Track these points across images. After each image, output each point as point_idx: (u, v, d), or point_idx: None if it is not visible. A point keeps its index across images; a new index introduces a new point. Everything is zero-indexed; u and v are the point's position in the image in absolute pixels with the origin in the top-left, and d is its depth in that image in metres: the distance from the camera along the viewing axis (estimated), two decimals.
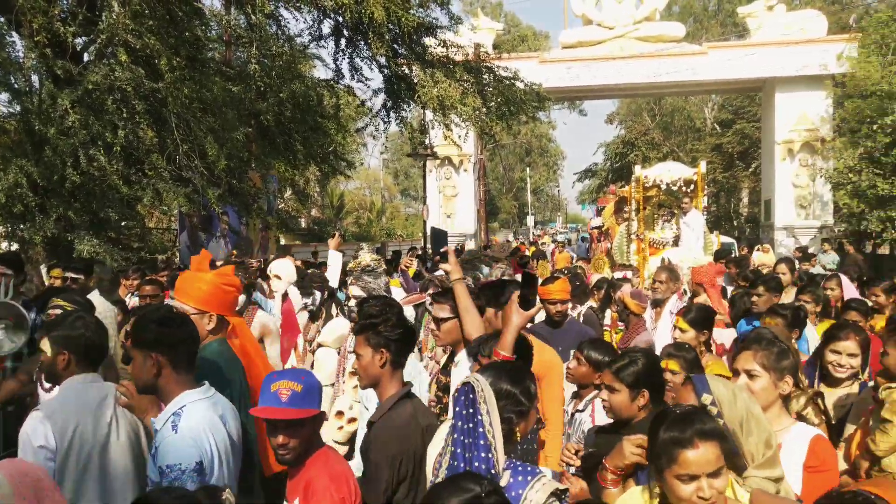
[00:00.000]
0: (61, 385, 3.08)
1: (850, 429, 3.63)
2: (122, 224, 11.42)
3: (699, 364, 3.90)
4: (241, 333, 3.64)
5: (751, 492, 2.25)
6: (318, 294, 7.18)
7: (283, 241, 24.83)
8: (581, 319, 7.14)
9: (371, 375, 3.03)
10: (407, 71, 12.05)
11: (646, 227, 13.41)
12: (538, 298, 4.49)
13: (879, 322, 5.13)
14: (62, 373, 3.08)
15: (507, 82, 12.66)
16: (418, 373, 4.40)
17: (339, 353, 5.26)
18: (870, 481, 2.44)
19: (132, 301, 7.58)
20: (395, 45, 11.08)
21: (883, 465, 3.33)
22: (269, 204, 15.39)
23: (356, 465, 3.43)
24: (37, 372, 4.15)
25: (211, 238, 14.08)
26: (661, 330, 6.24)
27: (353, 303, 5.24)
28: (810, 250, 16.82)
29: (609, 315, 7.44)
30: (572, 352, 4.11)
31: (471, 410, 2.35)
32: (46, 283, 7.91)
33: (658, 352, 4.32)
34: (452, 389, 3.44)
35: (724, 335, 6.42)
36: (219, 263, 8.34)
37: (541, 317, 5.35)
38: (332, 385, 5.10)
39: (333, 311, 6.27)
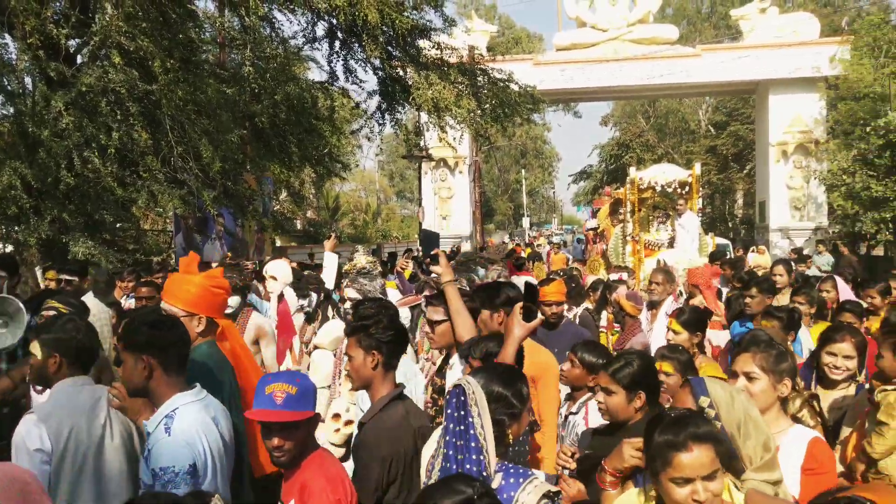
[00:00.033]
0: (52, 388, 3.07)
1: (846, 431, 3.64)
2: (117, 226, 11.40)
3: (693, 366, 3.90)
4: (231, 335, 3.64)
5: (745, 492, 2.25)
6: (314, 296, 7.17)
7: (278, 243, 24.77)
8: (577, 321, 7.14)
9: (363, 377, 3.04)
10: (401, 73, 12.04)
11: (641, 228, 13.43)
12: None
13: (874, 324, 5.14)
14: (53, 376, 3.07)
15: (502, 84, 12.65)
16: (414, 375, 4.39)
17: (335, 356, 5.25)
18: (866, 486, 2.44)
19: (128, 303, 7.56)
20: (390, 48, 11.06)
21: (879, 467, 3.33)
22: (265, 206, 15.35)
23: (352, 468, 3.42)
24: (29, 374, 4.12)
25: (206, 240, 14.03)
26: (657, 331, 6.25)
27: (348, 305, 5.23)
28: (805, 252, 16.87)
29: (605, 317, 7.45)
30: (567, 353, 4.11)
31: (462, 413, 2.35)
32: (41, 285, 7.88)
33: (653, 353, 4.32)
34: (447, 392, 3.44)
35: (720, 337, 6.43)
36: (214, 265, 8.35)
37: None
38: (329, 387, 5.08)
39: (330, 312, 6.25)
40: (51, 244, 8.54)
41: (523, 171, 60.72)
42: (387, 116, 12.81)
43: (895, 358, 3.43)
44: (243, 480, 3.28)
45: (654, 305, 6.71)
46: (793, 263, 9.78)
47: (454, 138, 13.34)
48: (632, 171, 14.04)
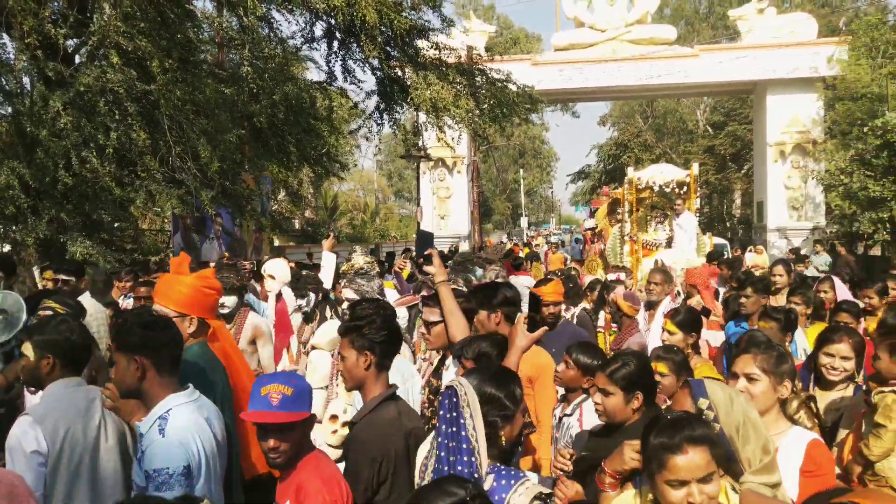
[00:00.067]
0: (45, 389, 3.05)
1: (843, 433, 3.63)
2: (115, 226, 11.39)
3: (688, 366, 3.90)
4: (222, 336, 3.63)
5: (741, 492, 2.24)
6: (312, 296, 7.16)
7: (276, 243, 24.75)
8: (574, 321, 7.13)
9: (355, 377, 3.04)
10: (400, 73, 12.05)
11: (639, 228, 13.45)
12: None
13: (872, 324, 5.13)
14: (46, 377, 3.05)
15: (500, 84, 12.66)
16: (411, 375, 4.39)
17: (332, 356, 5.24)
18: (861, 491, 2.43)
19: (125, 303, 7.55)
20: (388, 48, 11.07)
21: (876, 469, 3.33)
22: (263, 205, 15.33)
23: None
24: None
25: (204, 240, 14.03)
26: (655, 332, 6.24)
27: (346, 305, 5.22)
28: (803, 252, 16.88)
29: (602, 317, 7.44)
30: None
31: (454, 414, 2.35)
32: (39, 285, 7.87)
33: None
34: None
35: (717, 338, 6.43)
36: (212, 265, 8.34)
37: None
38: (326, 388, 5.08)
39: (328, 313, 6.24)
40: (48, 244, 8.54)
41: (521, 170, 60.72)
42: (385, 116, 12.82)
43: (892, 359, 3.42)
44: (233, 480, 3.28)
45: (651, 305, 6.70)
46: (792, 264, 9.76)
47: (452, 138, 13.33)
48: (630, 171, 14.06)
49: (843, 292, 6.60)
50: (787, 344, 4.83)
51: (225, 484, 3.06)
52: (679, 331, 4.59)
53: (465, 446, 2.31)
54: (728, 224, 37.92)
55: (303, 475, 2.61)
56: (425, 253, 3.93)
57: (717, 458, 2.08)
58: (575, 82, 23.82)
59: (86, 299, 5.77)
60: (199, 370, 3.21)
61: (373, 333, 3.01)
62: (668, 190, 13.10)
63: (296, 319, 6.64)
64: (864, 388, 3.64)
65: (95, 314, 5.75)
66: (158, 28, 8.78)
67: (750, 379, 2.90)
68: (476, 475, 2.26)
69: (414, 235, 24.14)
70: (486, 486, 2.26)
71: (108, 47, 8.20)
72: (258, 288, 8.34)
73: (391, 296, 7.02)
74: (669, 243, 12.85)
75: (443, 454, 2.33)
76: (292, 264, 10.71)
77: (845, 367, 3.84)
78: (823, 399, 3.80)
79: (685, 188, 12.95)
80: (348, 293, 5.36)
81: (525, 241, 39.53)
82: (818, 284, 6.71)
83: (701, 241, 12.83)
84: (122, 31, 8.03)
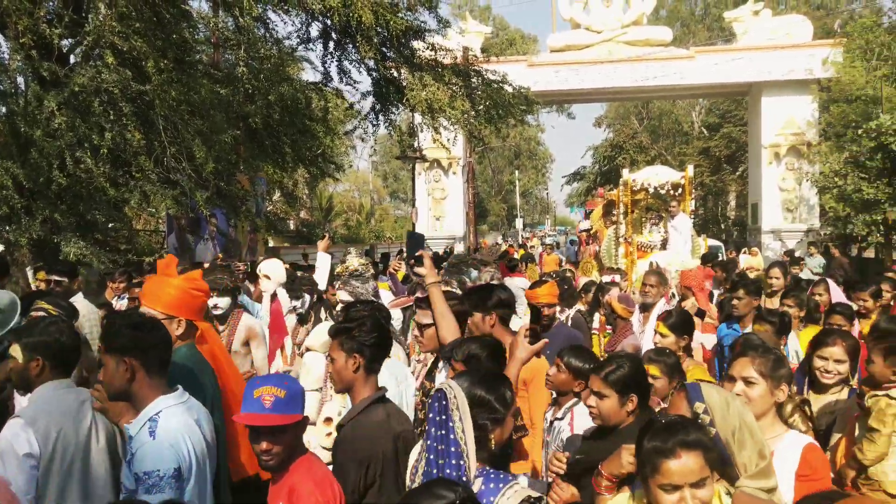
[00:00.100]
0: (35, 391, 3.03)
1: (836, 437, 3.63)
2: (110, 226, 11.33)
3: (680, 369, 3.90)
4: (210, 338, 3.61)
5: (733, 494, 2.24)
6: (307, 297, 7.15)
7: (271, 244, 24.75)
8: (569, 323, 7.14)
9: (344, 380, 3.03)
10: (395, 74, 12.04)
11: (634, 230, 13.46)
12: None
13: (867, 327, 5.13)
14: (35, 379, 3.03)
15: (496, 86, 12.66)
16: (405, 377, 4.38)
17: (326, 358, 5.22)
18: (857, 498, 2.43)
19: (119, 303, 7.53)
20: (384, 49, 11.06)
21: (869, 473, 3.33)
22: (258, 206, 15.33)
23: None
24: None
25: (199, 240, 14.02)
26: (649, 334, 6.23)
27: (340, 307, 5.21)
28: (797, 254, 16.92)
29: (597, 319, 7.44)
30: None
31: (443, 417, 2.35)
32: (33, 286, 7.84)
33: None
34: None
35: (713, 340, 6.43)
36: (206, 266, 8.32)
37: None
38: (320, 390, 5.06)
39: (322, 314, 6.23)
40: (42, 244, 8.50)
41: (517, 172, 60.75)
42: (381, 117, 12.82)
43: (885, 363, 3.42)
44: (222, 483, 3.27)
45: (646, 308, 6.70)
46: (787, 266, 9.77)
47: (448, 139, 13.34)
48: (625, 172, 14.09)
49: (838, 295, 6.61)
50: (782, 347, 4.83)
51: (213, 486, 3.05)
52: (671, 333, 4.59)
53: (453, 449, 2.30)
54: (723, 226, 38.00)
55: (295, 477, 2.61)
56: (416, 254, 3.92)
57: (711, 463, 2.08)
58: (571, 84, 23.87)
59: (78, 300, 5.75)
60: (187, 372, 3.19)
61: (362, 336, 3.01)
62: (662, 192, 13.12)
63: (290, 320, 6.63)
64: (858, 391, 3.64)
65: (88, 315, 5.73)
66: (154, 28, 8.75)
67: (747, 382, 2.90)
68: (465, 478, 2.25)
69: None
70: (475, 490, 2.25)
71: (103, 47, 8.16)
72: (251, 289, 8.33)
73: (386, 297, 7.00)
74: (664, 245, 12.87)
75: (432, 457, 2.33)
76: (287, 265, 10.70)
77: (839, 371, 3.84)
78: (817, 402, 3.80)
79: (680, 190, 12.97)
80: (343, 295, 5.35)
81: (520, 242, 39.53)
82: (813, 287, 6.71)
83: (696, 243, 12.83)
84: (117, 31, 8.00)
